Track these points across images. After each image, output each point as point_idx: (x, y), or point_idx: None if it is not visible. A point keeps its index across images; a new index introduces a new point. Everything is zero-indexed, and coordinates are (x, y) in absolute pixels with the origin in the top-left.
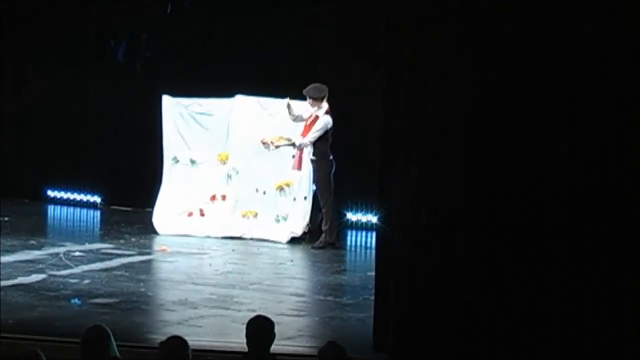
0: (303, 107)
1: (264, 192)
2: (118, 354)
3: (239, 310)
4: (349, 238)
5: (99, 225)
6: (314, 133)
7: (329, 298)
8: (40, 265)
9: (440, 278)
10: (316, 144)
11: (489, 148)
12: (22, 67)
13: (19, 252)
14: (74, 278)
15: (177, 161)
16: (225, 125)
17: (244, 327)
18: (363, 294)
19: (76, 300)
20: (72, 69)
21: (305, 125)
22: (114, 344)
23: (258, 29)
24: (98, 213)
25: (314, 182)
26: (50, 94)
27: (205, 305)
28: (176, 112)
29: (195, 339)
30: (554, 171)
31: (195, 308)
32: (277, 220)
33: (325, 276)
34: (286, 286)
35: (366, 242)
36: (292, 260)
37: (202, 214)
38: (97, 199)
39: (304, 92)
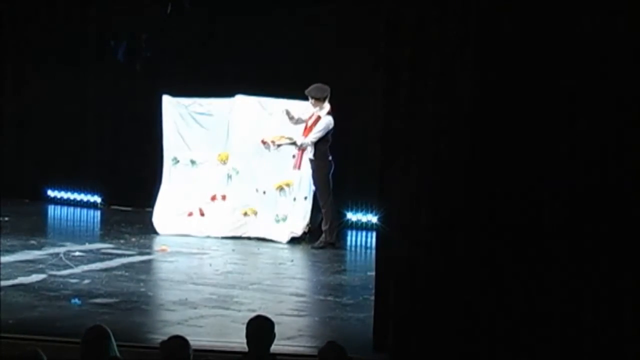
0: (302, 108)
1: (264, 192)
2: (118, 354)
3: (239, 310)
4: (349, 238)
5: (99, 225)
6: (316, 133)
7: (329, 298)
8: (41, 265)
9: (440, 278)
10: (317, 144)
11: (489, 148)
12: (22, 67)
13: (19, 252)
14: (74, 278)
15: (177, 161)
16: (225, 125)
17: (244, 327)
18: (363, 294)
19: (76, 300)
20: (72, 69)
21: (307, 126)
22: (114, 344)
23: (258, 29)
24: (98, 213)
25: (313, 182)
26: (50, 94)
27: (206, 305)
28: (176, 112)
29: (196, 339)
30: (554, 171)
31: (196, 308)
32: (277, 220)
33: (325, 276)
34: (286, 286)
35: (366, 242)
36: (292, 260)
37: (202, 214)
38: (97, 199)
39: (306, 92)
